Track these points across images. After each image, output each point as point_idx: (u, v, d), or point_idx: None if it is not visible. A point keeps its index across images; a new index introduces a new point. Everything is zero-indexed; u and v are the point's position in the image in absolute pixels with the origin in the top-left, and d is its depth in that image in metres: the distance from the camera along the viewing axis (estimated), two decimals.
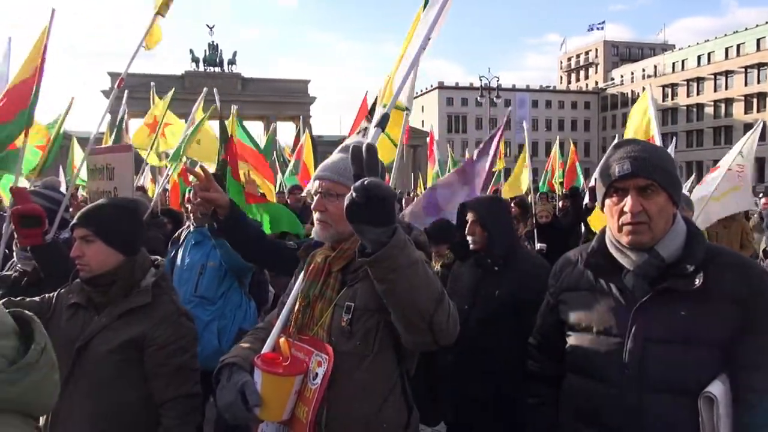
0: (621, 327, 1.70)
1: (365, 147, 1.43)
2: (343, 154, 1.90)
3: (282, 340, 1.83)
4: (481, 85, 41.01)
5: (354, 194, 1.36)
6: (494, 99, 39.75)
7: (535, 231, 7.24)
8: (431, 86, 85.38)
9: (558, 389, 1.92)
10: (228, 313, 3.67)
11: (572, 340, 1.86)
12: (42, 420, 1.93)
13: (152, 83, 9.06)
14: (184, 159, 6.73)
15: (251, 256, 2.80)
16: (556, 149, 12.42)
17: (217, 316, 3.62)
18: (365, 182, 1.35)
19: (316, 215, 1.89)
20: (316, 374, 1.74)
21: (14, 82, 3.95)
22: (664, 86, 77.08)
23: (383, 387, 1.79)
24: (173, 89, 8.76)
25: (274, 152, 13.73)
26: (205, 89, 7.09)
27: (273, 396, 1.72)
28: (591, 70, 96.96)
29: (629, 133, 5.01)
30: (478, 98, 42.74)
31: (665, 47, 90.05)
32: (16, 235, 2.92)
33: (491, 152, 5.13)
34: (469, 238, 3.02)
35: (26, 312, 1.15)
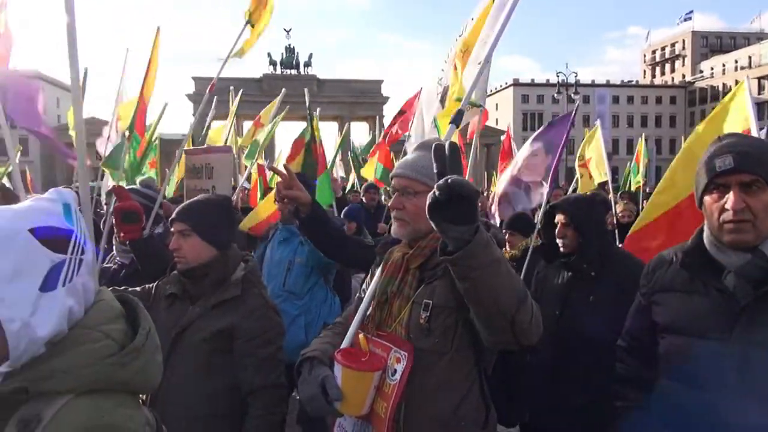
0: (720, 330, 1.62)
1: (449, 145, 1.44)
2: (421, 152, 1.91)
3: (360, 335, 1.87)
4: (558, 82, 39.80)
5: (437, 192, 1.37)
6: (572, 95, 38.48)
7: (617, 231, 6.96)
8: (506, 83, 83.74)
9: (648, 393, 1.85)
10: (314, 308, 3.80)
11: (666, 342, 1.79)
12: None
13: (231, 87, 9.43)
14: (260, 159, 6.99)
15: (331, 253, 2.88)
16: (641, 146, 11.82)
17: (303, 311, 3.75)
18: (449, 180, 1.36)
19: (393, 213, 1.93)
20: (395, 370, 1.77)
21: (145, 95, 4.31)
22: (759, 78, 71.79)
23: (461, 385, 1.80)
24: (241, 91, 9.08)
25: (349, 152, 13.95)
26: (283, 90, 7.32)
27: (353, 391, 1.76)
28: (677, 63, 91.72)
29: (722, 129, 4.71)
30: (555, 95, 41.49)
31: (761, 36, 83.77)
32: (116, 231, 3.14)
33: (557, 151, 4.98)
34: (558, 240, 2.90)
35: (131, 297, 1.25)
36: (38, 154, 57.99)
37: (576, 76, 39.30)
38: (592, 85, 80.00)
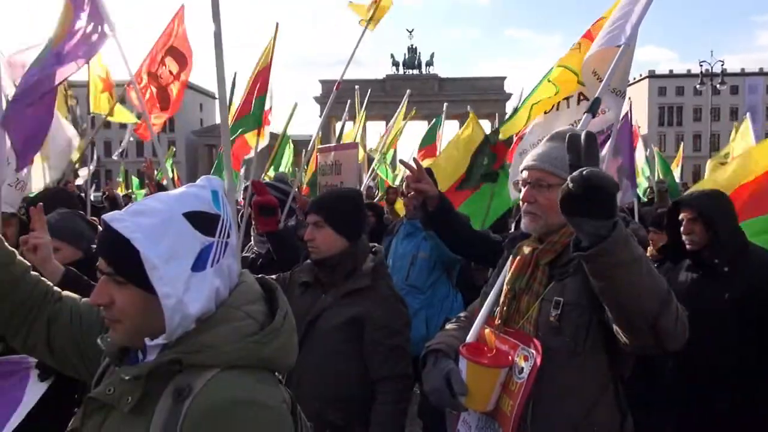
0: None
1: (584, 135, 1.38)
2: (553, 143, 1.84)
3: (487, 331, 1.84)
4: (702, 71, 36.39)
5: (570, 185, 1.31)
6: (717, 86, 35.06)
7: None
8: (640, 75, 78.20)
9: None
10: (436, 303, 3.83)
11: None
12: None
13: (356, 87, 9.72)
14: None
15: (458, 248, 2.87)
16: None
17: (425, 305, 3.79)
18: (584, 172, 1.29)
19: (524, 206, 1.87)
20: (522, 368, 1.72)
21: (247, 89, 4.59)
22: None
23: (594, 388, 1.71)
24: (369, 91, 9.28)
25: None
26: (408, 91, 7.42)
27: (478, 386, 1.74)
28: None
29: None
30: (697, 86, 37.98)
31: None
32: (254, 223, 3.36)
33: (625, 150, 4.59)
34: (685, 237, 2.73)
35: (270, 281, 1.33)
36: (184, 155, 63.67)
37: (723, 65, 35.71)
38: (742, 74, 72.39)
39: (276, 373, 1.23)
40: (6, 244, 1.38)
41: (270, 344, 1.16)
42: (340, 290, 2.38)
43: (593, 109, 1.69)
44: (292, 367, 1.27)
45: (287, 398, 1.20)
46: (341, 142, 8.52)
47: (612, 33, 2.57)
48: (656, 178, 10.29)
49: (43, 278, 1.45)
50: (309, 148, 4.81)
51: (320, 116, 4.85)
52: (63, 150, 4.44)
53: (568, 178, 1.32)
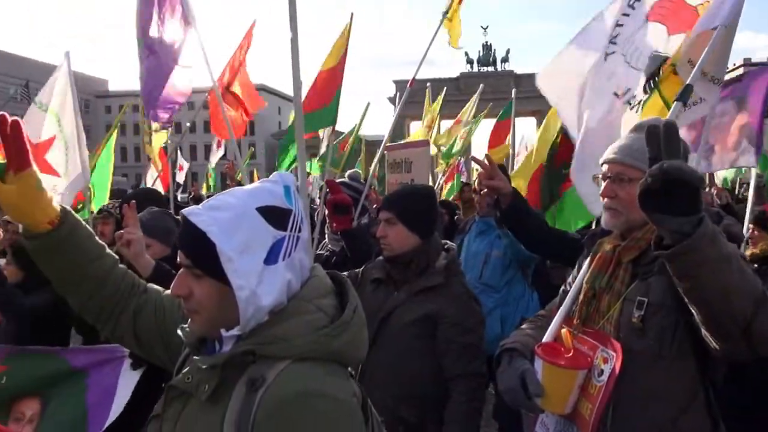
0: None
1: (664, 125, 1.29)
2: (636, 134, 1.74)
3: (564, 331, 1.77)
4: None
5: (649, 179, 1.23)
6: None
7: None
8: (734, 65, 73.10)
9: None
10: (511, 302, 3.75)
11: None
12: None
13: (428, 84, 9.68)
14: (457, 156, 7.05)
15: (533, 246, 2.79)
16: None
17: (500, 304, 3.73)
18: (663, 165, 1.21)
19: (605, 201, 1.79)
20: (602, 371, 1.65)
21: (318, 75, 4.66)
22: None
23: (682, 395, 1.60)
24: (445, 89, 9.19)
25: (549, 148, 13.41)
26: (481, 86, 7.31)
27: (554, 387, 1.68)
28: None
29: None
30: None
31: None
32: (328, 221, 3.42)
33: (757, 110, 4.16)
34: None
35: (340, 275, 1.34)
36: (263, 157, 65.93)
37: None
38: None
39: (347, 368, 1.23)
40: (96, 238, 1.47)
41: (340, 337, 1.17)
42: (413, 287, 2.37)
43: (684, 98, 1.55)
44: (363, 361, 1.28)
45: (358, 392, 1.21)
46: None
47: (709, 15, 2.38)
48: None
49: (129, 271, 1.53)
50: (381, 148, 4.84)
51: (393, 116, 4.90)
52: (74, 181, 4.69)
53: (647, 172, 1.24)
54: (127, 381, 2.89)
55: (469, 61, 65.16)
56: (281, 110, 73.79)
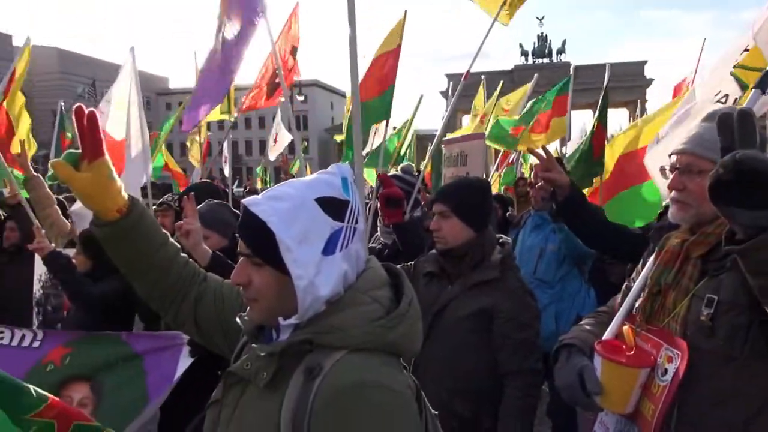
0: None
1: (738, 112, 1.21)
2: (708, 123, 1.65)
3: (626, 328, 1.71)
4: None
5: (720, 170, 1.15)
6: None
7: None
8: None
9: None
10: (566, 298, 3.67)
11: None
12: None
13: (483, 76, 9.54)
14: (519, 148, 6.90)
15: (591, 240, 2.71)
16: None
17: (555, 300, 3.65)
18: (736, 155, 1.13)
19: (672, 194, 1.71)
20: (666, 370, 1.58)
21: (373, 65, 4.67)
22: None
23: (754, 398, 1.52)
24: (501, 82, 9.02)
25: (606, 140, 13.00)
26: (536, 76, 7.14)
27: (615, 386, 1.63)
28: None
29: None
30: None
31: None
32: (380, 214, 3.42)
33: None
34: None
35: (396, 267, 1.34)
36: (316, 151, 66.87)
37: None
38: None
39: (402, 360, 1.23)
40: (161, 227, 1.52)
41: (395, 329, 1.17)
42: (467, 281, 2.34)
43: (763, 85, 1.45)
44: (417, 354, 1.27)
45: (412, 385, 1.20)
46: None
47: None
48: None
49: (191, 260, 1.57)
50: (435, 142, 4.80)
51: (446, 110, 4.86)
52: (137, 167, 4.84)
53: (718, 163, 1.17)
54: (184, 367, 2.99)
55: (524, 53, 63.88)
56: (333, 105, 74.54)
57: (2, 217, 5.28)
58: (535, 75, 7.37)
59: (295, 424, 1.06)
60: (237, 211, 3.87)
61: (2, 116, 4.82)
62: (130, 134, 4.99)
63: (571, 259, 3.67)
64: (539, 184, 2.60)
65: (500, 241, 2.48)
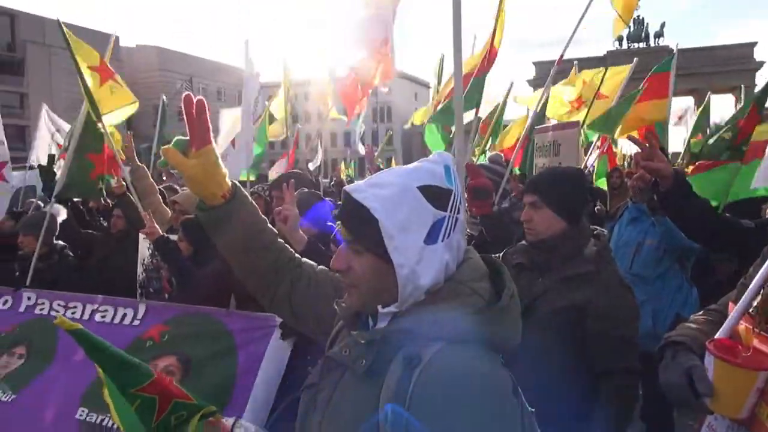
0: None
1: None
2: None
3: (742, 327, 1.58)
4: None
5: None
6: None
7: None
8: None
9: None
10: (665, 296, 3.47)
11: None
12: None
13: (575, 62, 9.13)
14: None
15: (697, 234, 2.53)
16: None
17: (652, 297, 3.46)
18: None
19: None
20: None
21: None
22: None
23: None
24: (608, 70, 8.55)
25: (708, 130, 12.15)
26: (635, 60, 6.76)
27: (728, 388, 1.51)
28: None
29: None
30: None
31: None
32: (467, 205, 3.37)
33: None
34: None
35: (496, 260, 1.30)
36: (400, 143, 67.09)
37: None
38: None
39: (501, 354, 1.20)
40: (259, 213, 1.57)
41: (496, 322, 1.15)
42: (559, 274, 2.26)
43: None
44: (516, 348, 1.23)
45: (510, 379, 1.17)
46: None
47: None
48: None
49: (287, 246, 1.62)
50: (525, 130, 4.66)
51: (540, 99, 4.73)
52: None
53: None
54: (276, 352, 3.08)
55: (618, 38, 60.66)
56: (418, 96, 74.44)
57: (110, 205, 5.71)
58: (635, 59, 6.94)
59: None
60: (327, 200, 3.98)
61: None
62: (239, 125, 5.23)
63: (672, 254, 3.46)
64: (638, 173, 2.45)
65: (595, 233, 2.37)
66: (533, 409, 1.31)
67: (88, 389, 3.14)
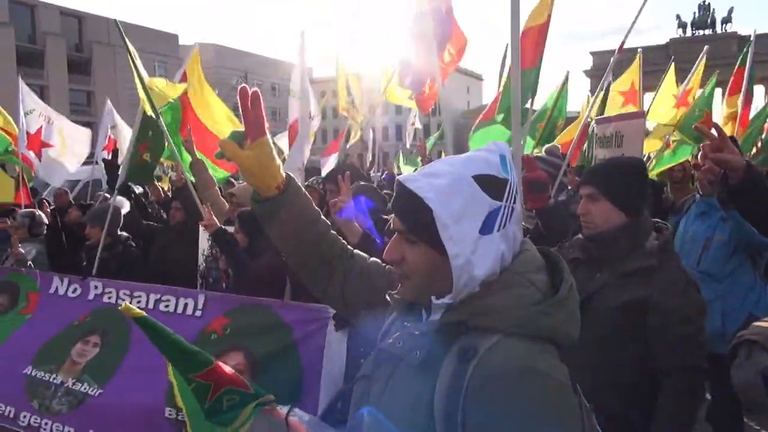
0: None
1: None
2: None
3: None
4: None
5: None
6: None
7: None
8: None
9: None
10: (736, 295, 3.29)
11: None
12: None
13: (639, 49, 8.77)
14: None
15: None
16: None
17: (722, 296, 3.29)
18: None
19: None
20: None
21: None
22: None
23: None
24: (675, 62, 8.20)
25: None
26: (705, 47, 6.43)
27: None
28: None
29: None
30: None
31: None
32: (523, 198, 3.29)
33: None
34: None
35: (553, 252, 1.26)
36: (451, 137, 66.50)
37: None
38: None
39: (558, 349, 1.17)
40: (312, 204, 1.58)
41: (554, 315, 1.11)
42: (619, 269, 2.18)
43: None
44: (575, 343, 1.19)
45: (568, 375, 1.13)
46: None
47: None
48: None
49: (340, 237, 1.62)
50: (583, 120, 4.51)
51: (590, 91, 4.57)
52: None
53: None
54: (334, 344, 3.11)
55: (681, 25, 58.02)
56: (470, 89, 73.66)
57: (169, 198, 5.91)
58: (706, 46, 6.60)
59: (449, 405, 1.04)
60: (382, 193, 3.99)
61: (189, 110, 5.37)
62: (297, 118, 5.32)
63: (744, 251, 3.28)
64: (706, 166, 2.33)
65: (657, 226, 2.27)
66: (591, 406, 1.27)
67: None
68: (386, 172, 14.69)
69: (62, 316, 4.05)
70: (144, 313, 1.80)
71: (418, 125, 15.75)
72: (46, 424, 3.49)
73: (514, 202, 1.17)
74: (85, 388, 3.52)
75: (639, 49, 8.20)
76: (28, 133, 7.53)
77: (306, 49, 5.24)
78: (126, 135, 8.75)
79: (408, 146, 14.96)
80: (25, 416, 3.57)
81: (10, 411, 3.63)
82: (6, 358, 3.93)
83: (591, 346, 2.14)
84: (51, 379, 3.64)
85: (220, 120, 5.55)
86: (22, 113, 7.47)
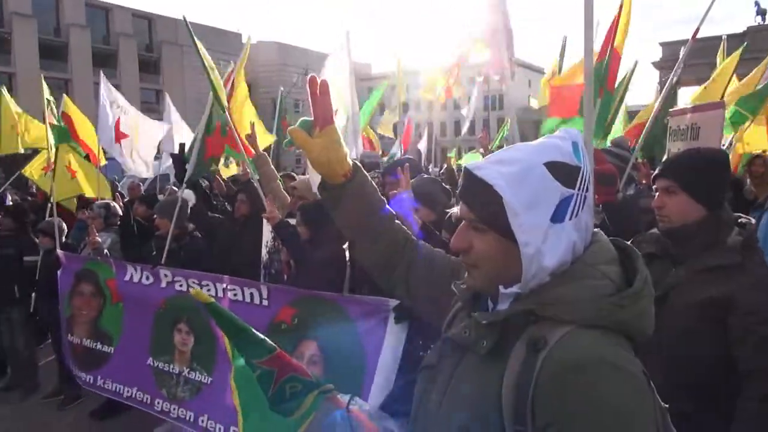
0: None
1: None
2: None
3: None
4: None
5: None
6: None
7: None
8: None
9: None
10: None
11: None
12: None
13: (724, 37, 8.31)
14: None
15: None
16: None
17: None
18: None
19: None
20: None
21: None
22: None
23: None
24: (745, 46, 7.75)
25: None
26: None
27: None
28: None
29: None
30: None
31: None
32: None
33: None
34: None
35: (627, 244, 1.21)
36: (515, 131, 65.47)
37: None
38: None
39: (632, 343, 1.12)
40: (378, 193, 1.58)
41: (629, 308, 1.07)
42: (697, 265, 2.08)
43: None
44: (649, 337, 1.14)
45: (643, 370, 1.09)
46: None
47: None
48: None
49: (403, 227, 1.62)
50: (653, 116, 4.30)
51: (659, 82, 4.35)
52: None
53: None
54: (393, 337, 3.12)
55: (761, 12, 54.58)
56: (531, 83, 72.14)
57: (234, 191, 6.09)
58: None
59: (518, 396, 1.02)
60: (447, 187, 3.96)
61: (234, 104, 5.56)
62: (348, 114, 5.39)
63: None
64: None
65: (740, 221, 2.14)
66: (666, 405, 1.21)
67: None
68: (445, 166, 14.63)
69: (147, 304, 4.31)
70: (212, 300, 1.85)
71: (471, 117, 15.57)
72: (174, 409, 3.98)
73: (587, 191, 1.13)
74: (198, 377, 3.89)
75: (724, 36, 7.76)
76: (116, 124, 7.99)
77: (351, 48, 5.29)
78: (185, 131, 9.10)
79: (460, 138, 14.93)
80: (158, 402, 4.12)
81: (147, 398, 4.21)
82: (130, 348, 4.38)
83: (666, 344, 2.06)
84: (171, 370, 4.09)
85: (246, 115, 5.74)
86: (107, 104, 7.90)
